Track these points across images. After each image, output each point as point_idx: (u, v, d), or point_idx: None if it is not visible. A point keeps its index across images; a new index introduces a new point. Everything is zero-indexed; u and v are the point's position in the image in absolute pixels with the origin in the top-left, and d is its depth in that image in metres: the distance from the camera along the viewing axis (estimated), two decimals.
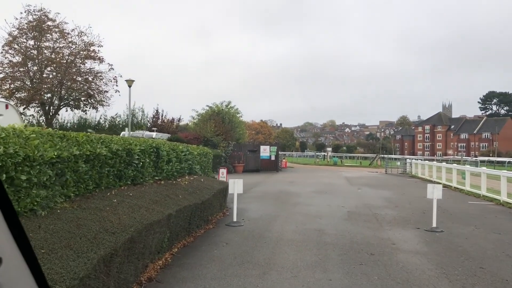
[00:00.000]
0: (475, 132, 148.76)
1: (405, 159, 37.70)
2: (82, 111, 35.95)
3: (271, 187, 21.71)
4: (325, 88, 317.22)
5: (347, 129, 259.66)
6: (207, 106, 38.27)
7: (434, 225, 11.03)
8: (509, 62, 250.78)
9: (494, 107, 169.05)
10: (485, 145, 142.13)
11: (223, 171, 20.35)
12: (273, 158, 34.08)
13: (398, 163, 37.01)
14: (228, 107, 37.78)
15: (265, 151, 33.83)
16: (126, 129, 33.97)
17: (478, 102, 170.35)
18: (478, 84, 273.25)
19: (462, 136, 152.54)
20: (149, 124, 39.69)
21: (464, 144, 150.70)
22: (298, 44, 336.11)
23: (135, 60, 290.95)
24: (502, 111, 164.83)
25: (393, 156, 56.66)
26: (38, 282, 1.29)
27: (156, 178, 10.28)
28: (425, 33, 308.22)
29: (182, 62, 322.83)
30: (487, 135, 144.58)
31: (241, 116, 39.74)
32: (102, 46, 35.76)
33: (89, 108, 35.67)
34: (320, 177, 29.83)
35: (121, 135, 32.63)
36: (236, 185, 11.16)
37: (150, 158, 9.82)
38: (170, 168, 10.85)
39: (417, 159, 35.48)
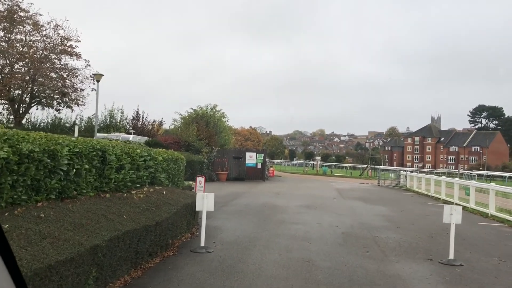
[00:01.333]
0: (464, 145, 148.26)
1: (399, 171, 35.70)
2: (55, 110, 33.45)
3: (255, 199, 19.42)
4: (315, 97, 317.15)
5: (336, 139, 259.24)
6: (192, 109, 36.00)
7: (451, 256, 8.83)
8: (498, 76, 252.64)
9: (484, 121, 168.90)
10: (474, 158, 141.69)
11: (200, 180, 18.03)
12: (259, 166, 31.76)
13: (391, 175, 34.96)
14: (214, 110, 35.49)
15: (251, 158, 31.53)
16: (78, 128, 31.48)
17: (468, 115, 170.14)
18: (467, 97, 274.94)
19: (452, 148, 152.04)
20: (128, 126, 37.23)
21: (453, 157, 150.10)
22: (287, 53, 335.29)
23: (123, 65, 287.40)
24: (491, 125, 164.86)
25: (386, 167, 54.69)
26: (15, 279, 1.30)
27: (102, 189, 7.98)
28: (413, 46, 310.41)
29: (172, 68, 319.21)
30: (477, 148, 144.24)
31: (228, 121, 37.52)
32: (79, 41, 33.35)
33: (63, 107, 33.21)
34: (309, 188, 27.62)
35: (95, 137, 30.21)
36: (205, 200, 8.86)
37: (92, 164, 7.51)
38: (122, 177, 8.52)
39: (412, 171, 33.44)
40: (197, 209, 8.98)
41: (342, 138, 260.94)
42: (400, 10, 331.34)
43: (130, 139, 29.54)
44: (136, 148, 9.51)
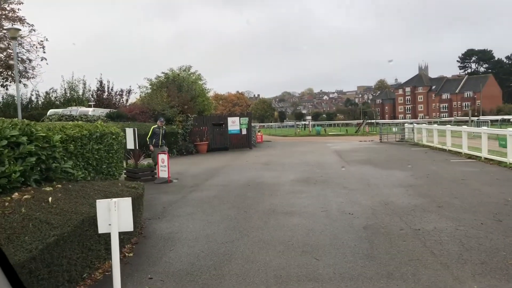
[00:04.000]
0: (457, 91, 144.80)
1: (402, 123, 31.62)
2: (1, 86, 28.63)
3: (237, 174, 15.25)
4: (300, 57, 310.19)
5: (325, 97, 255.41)
6: (162, 73, 31.22)
7: None
8: (483, 19, 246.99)
9: (474, 65, 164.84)
10: (467, 104, 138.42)
11: (163, 158, 13.88)
12: (244, 132, 27.40)
13: (395, 129, 30.94)
14: (187, 72, 30.81)
15: (234, 124, 27.15)
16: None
17: (457, 61, 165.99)
18: (452, 44, 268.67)
19: (444, 96, 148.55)
20: (92, 99, 32.55)
21: (446, 105, 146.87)
22: (264, 15, 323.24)
23: (101, 41, 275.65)
24: (482, 69, 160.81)
25: (386, 121, 50.69)
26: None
27: None
28: None
29: (149, 40, 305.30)
30: (470, 93, 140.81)
31: (205, 83, 32.84)
32: (22, 3, 28.23)
33: (10, 82, 28.38)
34: (303, 153, 23.49)
35: (48, 114, 25.67)
36: (113, 213, 4.59)
37: None
38: None
39: (418, 123, 29.38)
40: (99, 230, 4.70)
41: (331, 95, 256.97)
42: None
43: (89, 113, 25.13)
44: None
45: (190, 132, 25.77)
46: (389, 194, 10.47)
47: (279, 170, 16.04)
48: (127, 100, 33.82)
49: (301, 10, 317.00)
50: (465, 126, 19.46)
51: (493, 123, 40.88)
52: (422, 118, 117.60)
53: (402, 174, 13.79)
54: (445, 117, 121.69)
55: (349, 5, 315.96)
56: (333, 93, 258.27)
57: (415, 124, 27.02)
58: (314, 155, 21.81)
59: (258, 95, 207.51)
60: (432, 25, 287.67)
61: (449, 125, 22.30)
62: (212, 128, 26.99)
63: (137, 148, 14.05)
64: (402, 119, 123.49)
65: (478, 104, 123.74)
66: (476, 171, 14.27)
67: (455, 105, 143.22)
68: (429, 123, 37.30)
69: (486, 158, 16.70)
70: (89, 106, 27.73)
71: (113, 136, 8.57)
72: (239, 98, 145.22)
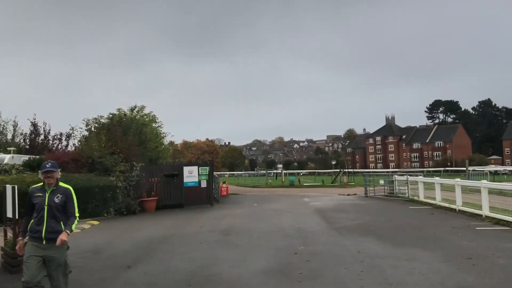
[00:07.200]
0: (427, 141, 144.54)
1: (391, 174, 27.34)
2: None
3: (178, 257, 10.05)
4: (268, 106, 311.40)
5: (295, 145, 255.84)
6: (110, 113, 26.23)
7: None
8: (435, 74, 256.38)
9: (441, 116, 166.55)
10: (438, 153, 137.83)
11: None
12: (204, 184, 22.25)
13: (382, 182, 26.53)
14: (137, 112, 25.94)
15: (192, 175, 22.03)
16: None
17: (425, 111, 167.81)
18: (417, 95, 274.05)
19: (415, 145, 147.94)
20: (23, 143, 27.11)
21: (417, 154, 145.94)
22: (231, 65, 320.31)
23: (61, 94, 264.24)
24: (449, 119, 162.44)
25: (373, 170, 46.55)
26: None
27: None
28: (350, 51, 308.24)
29: (114, 89, 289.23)
30: (440, 143, 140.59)
31: (160, 126, 27.92)
32: None
33: None
34: (277, 212, 18.53)
35: None
36: None
37: None
38: None
39: (413, 174, 24.98)
40: None
41: (301, 144, 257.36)
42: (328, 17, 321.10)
43: (5, 160, 19.76)
44: None
45: (136, 185, 20.53)
46: None
47: (243, 246, 10.95)
48: (67, 146, 28.58)
49: (264, 64, 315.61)
50: (484, 181, 15.09)
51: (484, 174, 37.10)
52: (393, 168, 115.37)
53: (430, 258, 8.97)
54: (417, 167, 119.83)
55: (308, 59, 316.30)
56: (303, 141, 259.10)
57: (408, 176, 22.62)
58: (291, 216, 16.87)
59: (229, 142, 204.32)
60: (395, 78, 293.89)
61: (458, 179, 17.92)
62: (165, 180, 21.84)
63: (18, 218, 8.82)
64: (373, 168, 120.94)
65: (449, 153, 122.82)
66: None
67: (426, 155, 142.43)
68: (430, 173, 33.26)
69: None
70: (8, 152, 22.35)
71: None
72: (208, 146, 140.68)
